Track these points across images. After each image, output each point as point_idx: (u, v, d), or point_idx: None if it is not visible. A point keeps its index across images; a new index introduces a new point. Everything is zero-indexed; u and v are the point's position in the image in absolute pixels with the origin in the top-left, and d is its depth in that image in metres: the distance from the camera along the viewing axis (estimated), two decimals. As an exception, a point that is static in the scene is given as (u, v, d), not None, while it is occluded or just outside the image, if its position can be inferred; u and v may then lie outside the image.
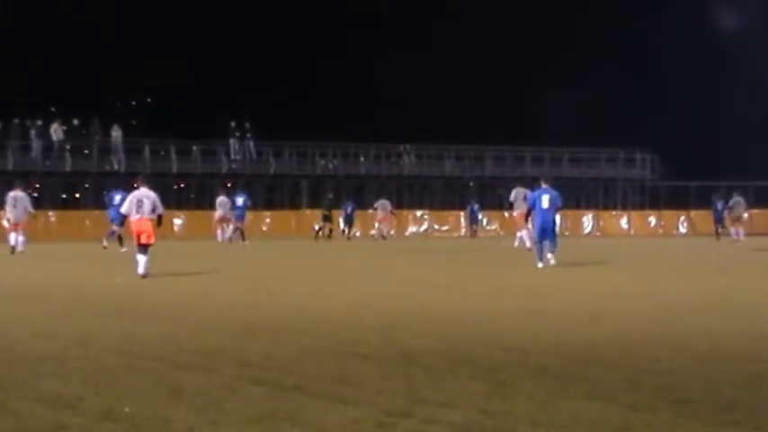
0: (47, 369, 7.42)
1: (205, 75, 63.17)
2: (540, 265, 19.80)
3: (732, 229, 37.42)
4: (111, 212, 29.67)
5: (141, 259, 17.20)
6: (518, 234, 28.84)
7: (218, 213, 36.56)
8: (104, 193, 35.44)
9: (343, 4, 64.72)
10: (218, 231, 36.54)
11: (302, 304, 12.32)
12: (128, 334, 9.35)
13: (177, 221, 41.64)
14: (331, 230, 39.22)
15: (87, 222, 38.85)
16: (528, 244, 25.64)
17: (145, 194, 17.80)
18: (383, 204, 41.12)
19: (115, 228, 28.71)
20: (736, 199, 37.51)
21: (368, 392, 6.50)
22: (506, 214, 29.99)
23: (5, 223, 27.76)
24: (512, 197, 28.69)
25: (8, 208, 27.28)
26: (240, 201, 37.06)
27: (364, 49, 62.71)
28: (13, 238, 26.85)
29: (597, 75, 58.89)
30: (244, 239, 35.19)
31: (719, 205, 39.74)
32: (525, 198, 25.90)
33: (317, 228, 39.47)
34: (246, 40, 63.77)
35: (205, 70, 63.38)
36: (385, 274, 18.51)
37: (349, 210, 40.82)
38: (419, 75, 63.97)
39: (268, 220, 41.43)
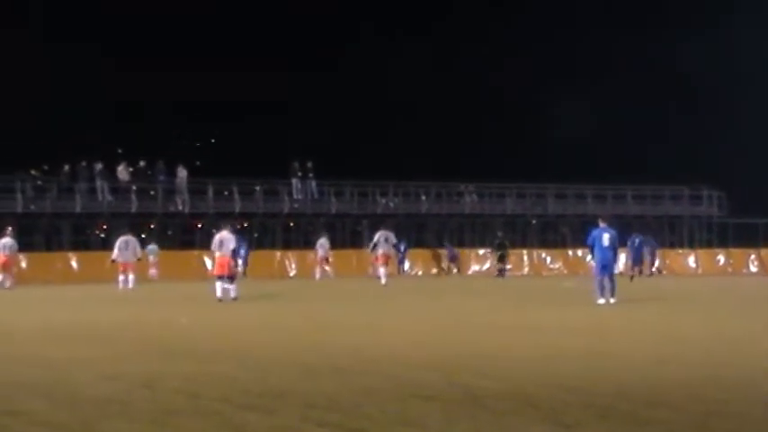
0: (113, 411, 7.50)
1: (266, 116, 64.01)
2: (602, 301, 19.99)
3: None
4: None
5: (231, 287, 22.09)
6: (379, 272, 30.84)
7: (320, 253, 38.20)
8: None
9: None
10: (317, 270, 38.03)
11: (363, 343, 12.31)
12: (192, 375, 9.43)
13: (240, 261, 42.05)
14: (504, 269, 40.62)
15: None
16: (383, 281, 29.62)
17: (226, 236, 22.52)
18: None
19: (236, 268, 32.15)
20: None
21: (431, 435, 6.46)
22: (370, 253, 32.51)
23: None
24: (375, 239, 31.05)
25: (117, 251, 29.71)
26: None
27: (421, 89, 63.02)
28: (122, 279, 29.27)
29: (661, 112, 58.30)
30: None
31: (637, 243, 38.03)
32: (386, 240, 30.53)
33: (499, 269, 40.50)
34: (305, 82, 64.58)
35: (267, 111, 64.25)
36: (447, 313, 18.43)
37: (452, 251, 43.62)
38: (477, 111, 64.11)
39: (330, 259, 41.57)
